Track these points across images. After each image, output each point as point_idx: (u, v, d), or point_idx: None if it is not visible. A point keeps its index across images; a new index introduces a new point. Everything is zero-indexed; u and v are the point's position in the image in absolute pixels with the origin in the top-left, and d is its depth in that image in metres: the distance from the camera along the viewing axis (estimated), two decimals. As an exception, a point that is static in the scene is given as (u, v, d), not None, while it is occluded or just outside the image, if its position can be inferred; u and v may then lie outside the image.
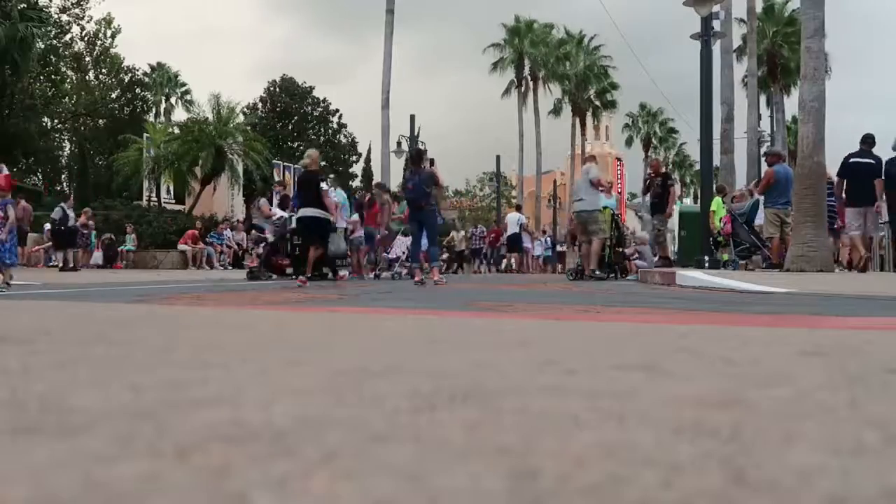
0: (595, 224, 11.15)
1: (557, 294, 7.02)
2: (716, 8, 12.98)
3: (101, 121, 38.32)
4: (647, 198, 14.08)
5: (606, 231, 11.38)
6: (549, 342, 2.30)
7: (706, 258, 12.21)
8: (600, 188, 11.58)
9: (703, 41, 12.54)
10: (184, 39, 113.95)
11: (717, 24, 13.23)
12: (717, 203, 13.27)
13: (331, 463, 0.82)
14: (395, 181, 30.41)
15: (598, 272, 11.01)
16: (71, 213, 17.16)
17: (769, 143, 27.42)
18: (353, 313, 4.09)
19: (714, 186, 14.14)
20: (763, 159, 15.63)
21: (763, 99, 32.50)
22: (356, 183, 47.29)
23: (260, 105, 46.54)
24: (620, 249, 12.91)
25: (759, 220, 11.51)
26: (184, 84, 42.13)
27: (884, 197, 10.50)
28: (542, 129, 41.50)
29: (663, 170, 14.10)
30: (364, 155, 48.91)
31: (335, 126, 48.43)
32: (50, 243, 19.67)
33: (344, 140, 48.78)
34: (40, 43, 29.27)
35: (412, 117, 27.76)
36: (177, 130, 28.67)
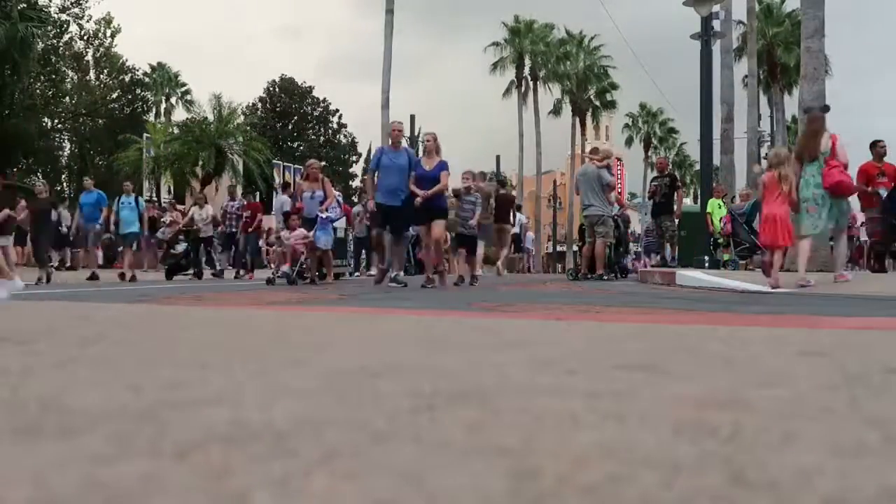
0: (603, 226, 11.17)
1: (557, 294, 7.02)
2: (716, 8, 12.99)
3: (101, 121, 38.31)
4: (648, 199, 14.06)
5: (611, 235, 11.37)
6: (549, 342, 2.30)
7: (706, 258, 12.21)
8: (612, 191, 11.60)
9: (703, 41, 12.55)
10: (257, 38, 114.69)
11: (716, 24, 13.23)
12: (712, 204, 13.26)
13: (331, 463, 0.82)
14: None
15: (604, 275, 11.03)
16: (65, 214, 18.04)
17: (769, 143, 27.43)
18: (353, 313, 4.09)
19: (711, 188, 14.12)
20: (765, 159, 15.62)
21: (763, 99, 32.50)
22: (356, 182, 47.34)
23: (260, 105, 46.56)
24: (621, 249, 12.91)
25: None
26: (184, 84, 42.15)
27: None
28: (542, 129, 41.48)
29: (669, 169, 14.10)
30: (364, 155, 48.96)
31: (335, 126, 48.45)
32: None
33: (344, 140, 48.81)
34: (40, 43, 29.25)
35: (412, 117, 27.78)
36: (177, 131, 28.69)
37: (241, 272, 14.15)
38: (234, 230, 14.13)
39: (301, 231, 9.73)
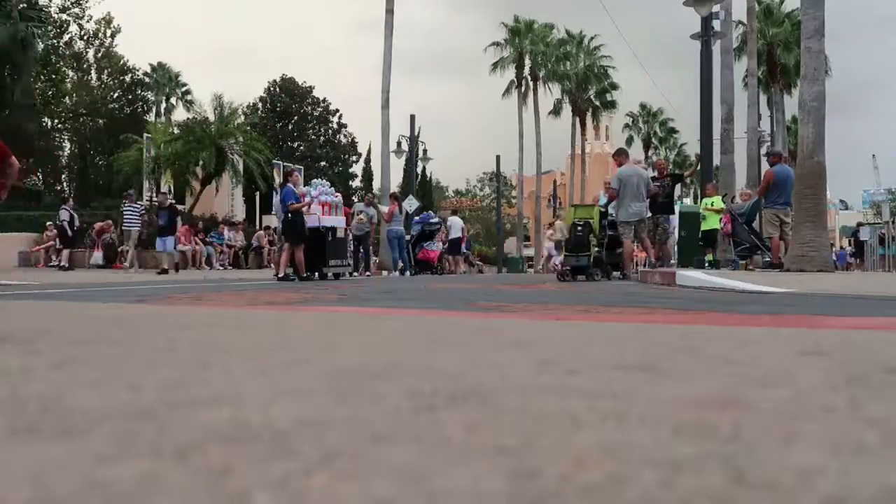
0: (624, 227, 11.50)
1: (557, 294, 7.02)
2: (716, 8, 13.00)
3: (101, 121, 38.28)
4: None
5: (628, 234, 11.54)
6: (549, 342, 2.30)
7: (706, 258, 12.24)
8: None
9: (703, 41, 12.56)
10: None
11: (716, 25, 13.25)
12: (704, 204, 13.28)
13: (331, 463, 0.82)
14: (395, 181, 30.38)
15: (596, 275, 11.15)
16: (76, 215, 18.22)
17: (769, 144, 27.46)
18: (353, 313, 4.09)
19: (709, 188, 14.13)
20: (765, 159, 15.64)
21: (763, 99, 32.51)
22: (356, 183, 47.38)
23: (260, 105, 46.55)
24: (619, 251, 12.90)
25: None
26: (184, 84, 42.15)
27: None
28: (542, 129, 41.51)
29: (670, 169, 14.18)
30: (364, 155, 48.96)
31: (335, 126, 48.44)
32: (51, 243, 19.86)
33: (344, 140, 48.80)
34: (40, 43, 29.24)
35: (412, 117, 27.81)
36: (177, 130, 28.68)
37: None
38: None
39: None
